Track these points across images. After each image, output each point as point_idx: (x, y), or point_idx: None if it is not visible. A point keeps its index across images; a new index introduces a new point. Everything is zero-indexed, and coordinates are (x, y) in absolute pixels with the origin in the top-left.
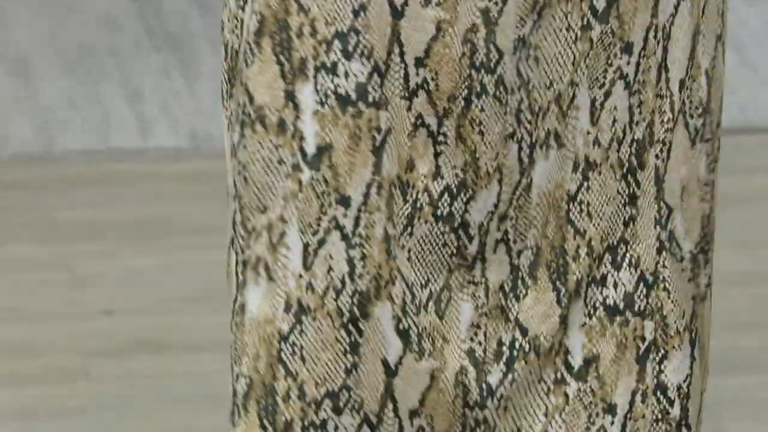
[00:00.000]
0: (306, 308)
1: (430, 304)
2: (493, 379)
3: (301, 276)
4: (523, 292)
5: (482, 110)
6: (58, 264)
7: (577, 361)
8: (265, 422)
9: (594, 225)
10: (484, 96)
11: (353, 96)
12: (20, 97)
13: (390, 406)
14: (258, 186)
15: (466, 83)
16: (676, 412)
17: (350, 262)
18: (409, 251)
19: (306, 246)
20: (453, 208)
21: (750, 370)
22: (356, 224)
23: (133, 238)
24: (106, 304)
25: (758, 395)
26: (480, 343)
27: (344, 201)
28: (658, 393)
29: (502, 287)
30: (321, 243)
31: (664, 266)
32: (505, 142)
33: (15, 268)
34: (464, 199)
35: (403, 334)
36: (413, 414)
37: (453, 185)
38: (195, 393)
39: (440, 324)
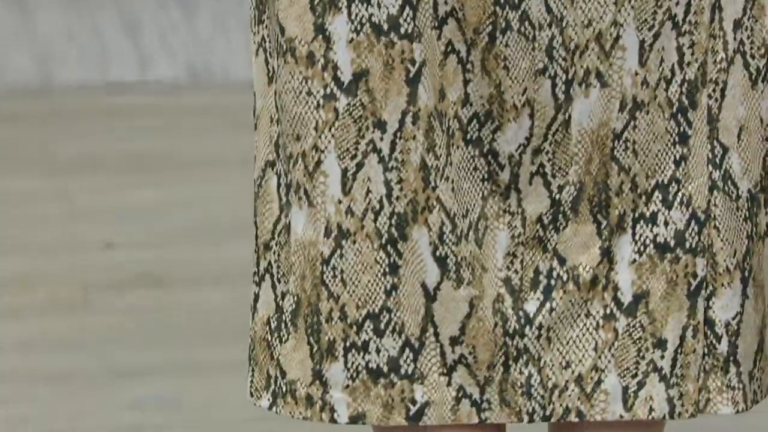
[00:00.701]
0: (346, 232)
1: (470, 233)
2: (530, 307)
3: (340, 201)
4: (563, 224)
5: (507, 46)
6: (58, 197)
7: (626, 298)
8: (311, 340)
9: (639, 162)
10: (508, 32)
11: (385, 27)
12: (18, 29)
13: (431, 330)
14: (290, 115)
15: (491, 19)
16: (723, 348)
17: (387, 184)
18: (452, 182)
19: (345, 171)
20: (481, 134)
21: None
22: (392, 149)
23: (133, 172)
24: (106, 238)
25: None
26: (516, 272)
27: (380, 125)
28: (706, 328)
29: (540, 219)
30: (359, 166)
31: (715, 205)
32: (535, 77)
33: (14, 201)
34: (491, 128)
35: (441, 261)
36: (454, 341)
37: (481, 114)
38: (195, 326)
39: (479, 253)
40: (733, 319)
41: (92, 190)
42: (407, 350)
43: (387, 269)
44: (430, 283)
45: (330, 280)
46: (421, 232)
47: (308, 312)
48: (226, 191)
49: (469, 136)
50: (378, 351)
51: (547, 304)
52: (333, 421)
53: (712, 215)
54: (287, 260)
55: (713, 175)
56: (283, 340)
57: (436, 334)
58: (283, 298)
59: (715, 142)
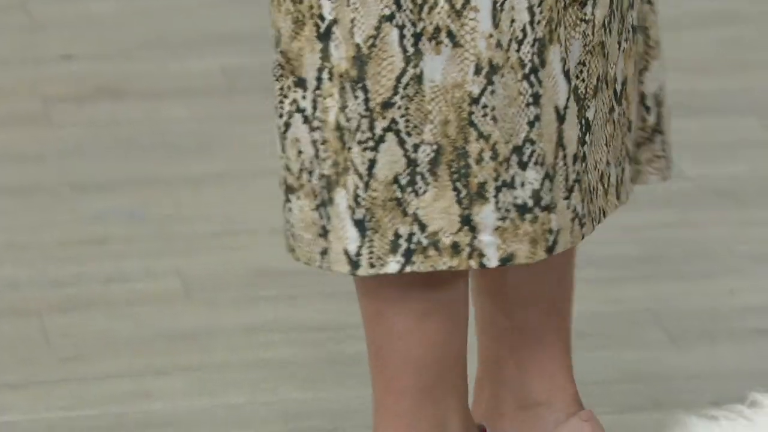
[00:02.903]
0: (495, 66)
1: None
2: (590, 114)
3: (491, 35)
4: (623, 34)
5: None
6: (15, 7)
7: (619, 86)
8: (458, 185)
9: None
10: None
11: None
12: None
13: (560, 154)
14: None
15: None
16: (651, 119)
17: (530, 9)
18: None
19: (494, 3)
20: None
21: (709, 114)
22: None
23: None
24: (65, 49)
25: (716, 138)
26: (583, 81)
27: None
28: (638, 102)
29: (604, 23)
30: None
31: None
32: None
33: None
34: None
35: (567, 76)
36: (575, 159)
37: None
38: (156, 140)
39: None
40: (660, 90)
41: (50, 0)
42: (546, 181)
43: (530, 99)
44: (561, 104)
45: (479, 120)
46: (555, 52)
47: (453, 158)
48: (188, 2)
49: None
50: (522, 185)
51: (597, 111)
52: (481, 265)
53: None
54: (420, 110)
55: None
56: (420, 192)
57: (564, 156)
58: (416, 150)
59: None
